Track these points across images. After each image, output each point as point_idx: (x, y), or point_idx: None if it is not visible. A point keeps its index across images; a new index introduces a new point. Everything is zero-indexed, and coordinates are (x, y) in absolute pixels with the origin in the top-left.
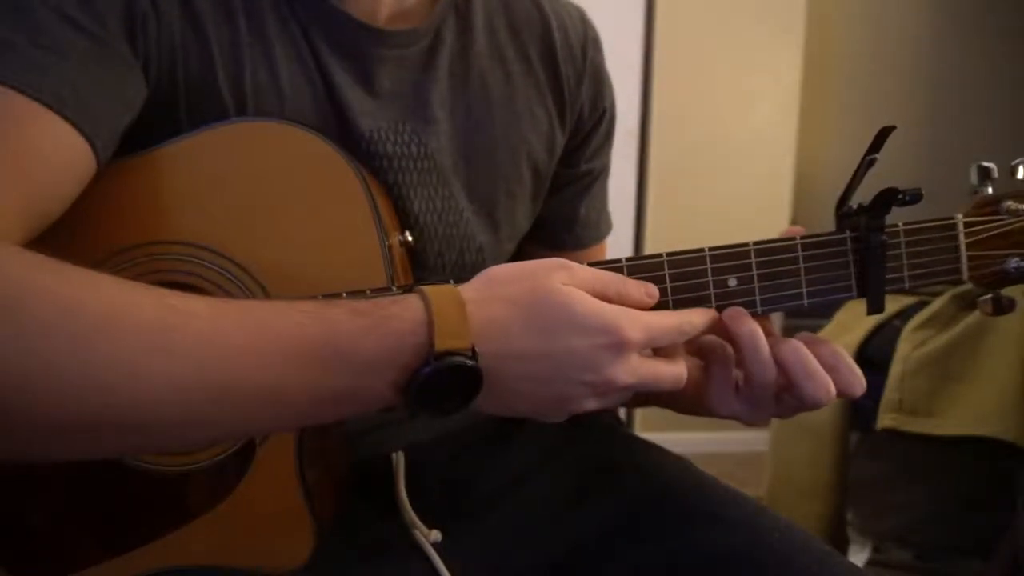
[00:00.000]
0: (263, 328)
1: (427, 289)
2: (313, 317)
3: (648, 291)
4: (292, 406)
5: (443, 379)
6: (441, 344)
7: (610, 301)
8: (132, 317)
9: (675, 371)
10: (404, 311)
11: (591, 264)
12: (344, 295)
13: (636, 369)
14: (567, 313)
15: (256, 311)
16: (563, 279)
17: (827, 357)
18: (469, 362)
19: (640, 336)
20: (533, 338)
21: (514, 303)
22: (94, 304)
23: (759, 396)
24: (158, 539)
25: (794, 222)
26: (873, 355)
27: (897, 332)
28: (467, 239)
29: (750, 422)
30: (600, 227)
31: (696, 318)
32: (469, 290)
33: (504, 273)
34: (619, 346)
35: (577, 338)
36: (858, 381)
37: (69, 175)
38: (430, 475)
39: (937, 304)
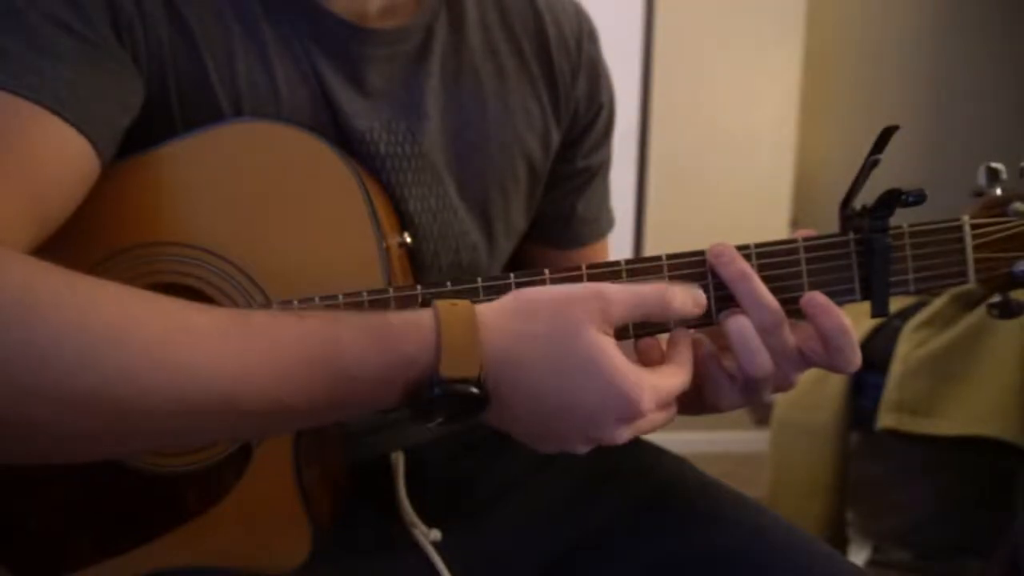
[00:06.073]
0: (270, 348)
1: (441, 307)
2: (321, 337)
3: (696, 299)
4: (296, 418)
5: (448, 403)
6: (448, 371)
7: (653, 322)
8: (139, 331)
9: (668, 416)
10: (414, 331)
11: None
12: (341, 297)
13: (639, 429)
14: (591, 370)
15: (263, 329)
16: (596, 319)
17: (833, 337)
18: (475, 390)
19: (653, 408)
20: (547, 383)
21: (535, 339)
22: (102, 316)
23: (756, 384)
24: (156, 540)
25: (794, 221)
26: (873, 355)
27: (897, 332)
28: (462, 237)
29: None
30: (600, 223)
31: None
32: (490, 313)
33: (534, 300)
34: (632, 418)
35: (594, 401)
36: (856, 364)
37: (74, 177)
38: (430, 475)
39: (937, 304)
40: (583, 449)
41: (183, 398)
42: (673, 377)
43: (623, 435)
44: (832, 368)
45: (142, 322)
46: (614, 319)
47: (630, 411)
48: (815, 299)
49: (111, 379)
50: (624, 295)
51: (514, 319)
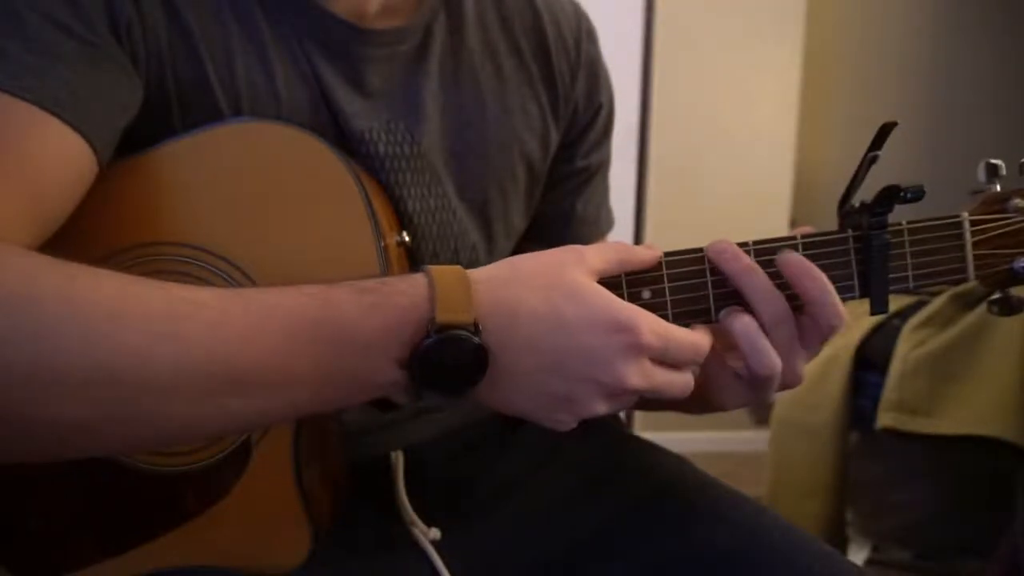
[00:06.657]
0: (269, 312)
1: (433, 268)
2: (318, 299)
3: (654, 253)
4: (301, 390)
5: (445, 352)
6: (443, 316)
7: (626, 272)
8: (139, 308)
9: (685, 380)
10: (408, 287)
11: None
12: None
13: (649, 374)
14: (582, 308)
15: (261, 297)
16: (579, 261)
17: (814, 293)
18: (472, 337)
19: (655, 342)
20: (543, 329)
21: (527, 288)
22: (101, 298)
23: (763, 381)
24: (156, 539)
25: (794, 221)
26: (872, 355)
27: (896, 332)
28: (461, 237)
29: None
30: (600, 223)
31: (707, 342)
32: (482, 271)
33: (524, 260)
34: (634, 347)
35: (591, 335)
36: (841, 321)
37: (73, 177)
38: (429, 475)
39: (936, 303)
40: (600, 405)
41: (184, 371)
42: (678, 329)
43: (632, 374)
44: (822, 331)
45: (143, 299)
46: (592, 263)
47: (631, 338)
48: (792, 259)
49: (113, 355)
50: (594, 245)
51: (503, 272)
